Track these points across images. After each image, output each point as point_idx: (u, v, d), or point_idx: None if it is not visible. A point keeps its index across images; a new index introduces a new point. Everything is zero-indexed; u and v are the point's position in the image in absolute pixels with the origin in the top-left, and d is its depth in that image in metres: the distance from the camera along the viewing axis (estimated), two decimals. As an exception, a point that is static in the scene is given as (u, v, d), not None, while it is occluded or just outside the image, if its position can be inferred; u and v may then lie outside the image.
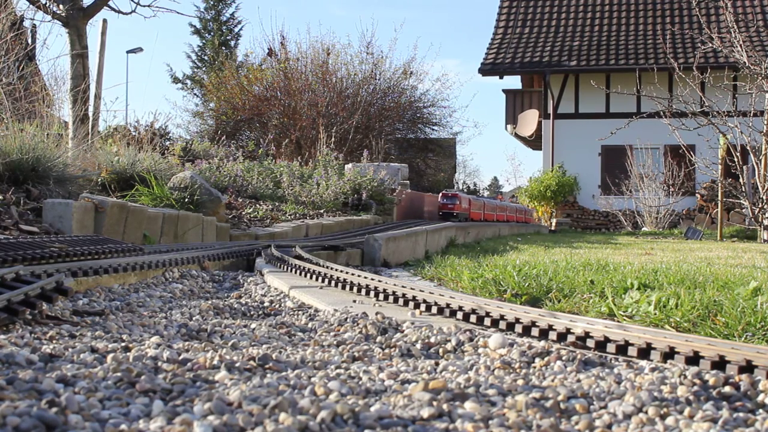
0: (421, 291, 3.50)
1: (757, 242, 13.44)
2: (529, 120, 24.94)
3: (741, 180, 14.18)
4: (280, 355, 2.24)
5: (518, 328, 2.71)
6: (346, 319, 3.00)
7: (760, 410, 1.67)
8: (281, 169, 13.75)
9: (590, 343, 2.40)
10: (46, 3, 10.76)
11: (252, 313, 3.52)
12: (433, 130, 28.19)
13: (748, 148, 13.66)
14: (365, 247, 7.22)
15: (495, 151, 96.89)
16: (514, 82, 33.30)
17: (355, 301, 3.60)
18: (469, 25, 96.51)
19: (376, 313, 3.02)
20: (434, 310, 3.23)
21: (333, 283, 4.18)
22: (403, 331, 2.75)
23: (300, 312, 3.43)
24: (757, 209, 13.72)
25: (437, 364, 2.18)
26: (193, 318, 3.20)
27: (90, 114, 10.72)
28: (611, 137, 14.61)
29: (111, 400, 1.60)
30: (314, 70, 24.88)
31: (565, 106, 23.53)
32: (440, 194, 15.02)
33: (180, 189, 8.19)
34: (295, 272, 4.80)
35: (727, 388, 1.79)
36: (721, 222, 15.16)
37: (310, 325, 2.99)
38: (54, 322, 2.82)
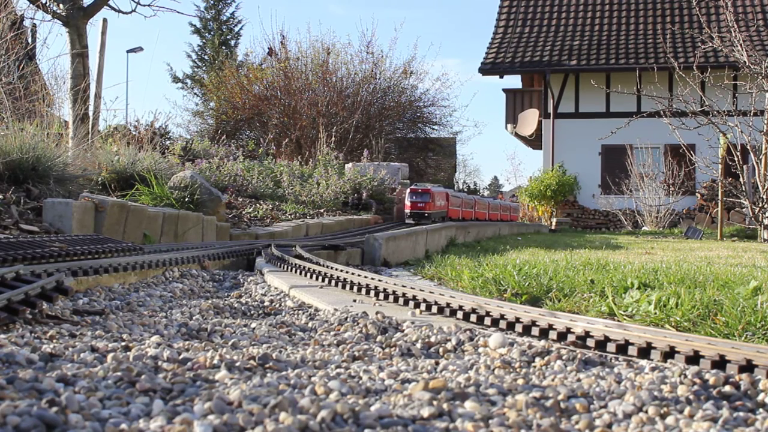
0: (421, 290, 3.50)
1: (758, 242, 13.44)
2: (530, 119, 24.92)
3: (741, 179, 14.17)
4: (280, 354, 2.24)
5: (518, 328, 2.71)
6: (346, 318, 2.99)
7: (760, 409, 1.67)
8: (281, 168, 13.75)
9: (590, 342, 2.40)
10: (46, 2, 10.74)
11: (252, 312, 3.52)
12: (433, 129, 28.21)
13: (748, 147, 13.65)
14: (365, 247, 7.21)
15: (495, 151, 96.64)
16: (514, 81, 33.27)
17: (355, 301, 3.60)
18: (470, 24, 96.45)
19: (377, 313, 3.01)
20: (434, 309, 3.23)
21: (333, 282, 4.18)
22: (403, 331, 2.75)
23: (300, 311, 3.43)
24: (758, 208, 13.71)
25: (437, 363, 2.18)
26: (194, 317, 3.20)
27: (90, 113, 10.71)
28: (611, 137, 14.59)
29: (111, 399, 1.60)
30: (314, 70, 24.87)
31: (565, 106, 23.51)
32: (408, 190, 11.49)
33: (180, 188, 8.19)
34: (296, 272, 4.80)
35: (727, 388, 1.79)
36: (721, 221, 15.16)
37: (310, 325, 2.99)
38: (54, 321, 2.82)
